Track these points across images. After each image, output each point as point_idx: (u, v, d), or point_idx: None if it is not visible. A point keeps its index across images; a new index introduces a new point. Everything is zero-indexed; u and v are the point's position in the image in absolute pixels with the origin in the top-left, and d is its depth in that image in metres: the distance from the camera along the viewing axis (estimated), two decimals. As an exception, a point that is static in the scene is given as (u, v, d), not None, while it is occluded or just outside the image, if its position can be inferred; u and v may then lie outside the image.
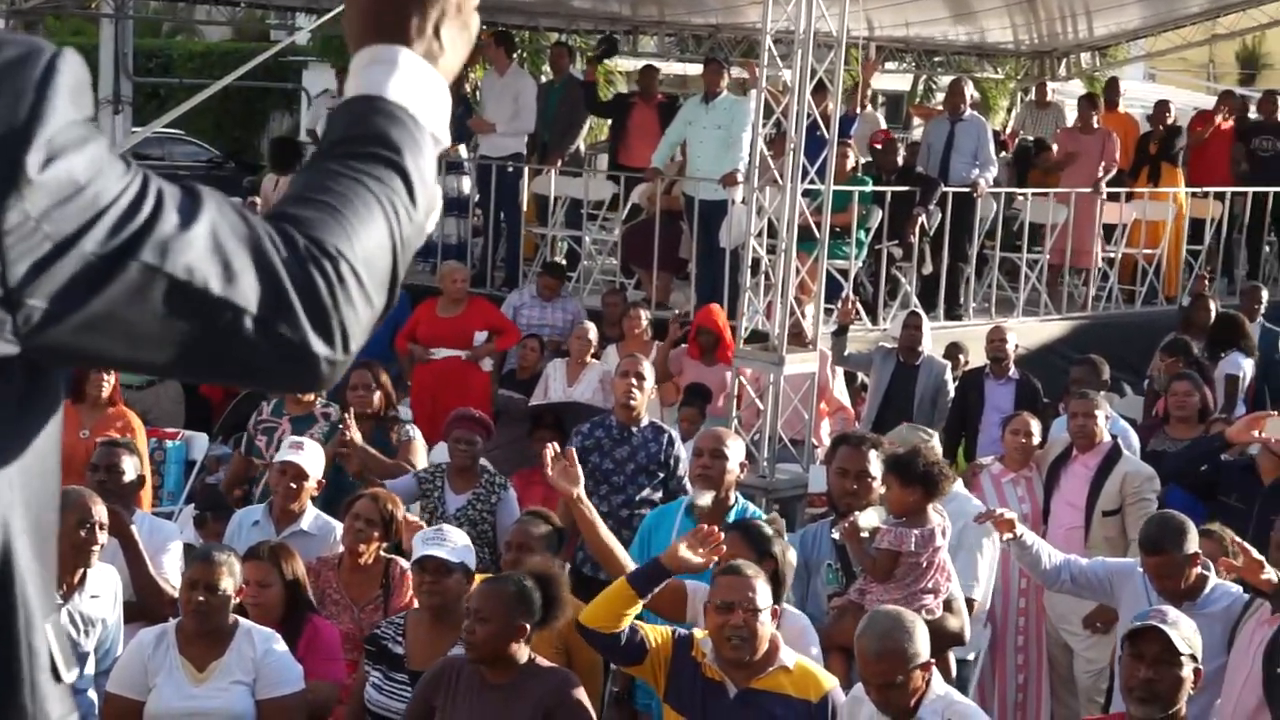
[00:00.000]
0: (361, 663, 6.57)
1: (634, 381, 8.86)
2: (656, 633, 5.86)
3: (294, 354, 1.71)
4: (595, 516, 6.66)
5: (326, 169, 1.82)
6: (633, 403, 8.83)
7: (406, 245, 1.82)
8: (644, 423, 8.91)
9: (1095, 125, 16.99)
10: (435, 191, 1.90)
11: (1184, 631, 5.37)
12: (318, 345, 1.71)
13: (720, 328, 12.09)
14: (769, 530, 6.45)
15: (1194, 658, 5.35)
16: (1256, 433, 8.24)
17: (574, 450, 6.75)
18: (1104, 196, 16.44)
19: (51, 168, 1.59)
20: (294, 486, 7.94)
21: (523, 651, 5.92)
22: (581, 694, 5.95)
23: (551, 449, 6.76)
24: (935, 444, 8.07)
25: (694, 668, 5.77)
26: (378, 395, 9.38)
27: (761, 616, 5.62)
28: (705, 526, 6.04)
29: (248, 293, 1.67)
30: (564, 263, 15.51)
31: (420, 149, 1.88)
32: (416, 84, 1.91)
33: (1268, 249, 18.93)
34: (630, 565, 6.76)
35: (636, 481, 8.73)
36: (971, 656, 8.29)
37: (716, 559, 5.95)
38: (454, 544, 6.59)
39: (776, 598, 6.14)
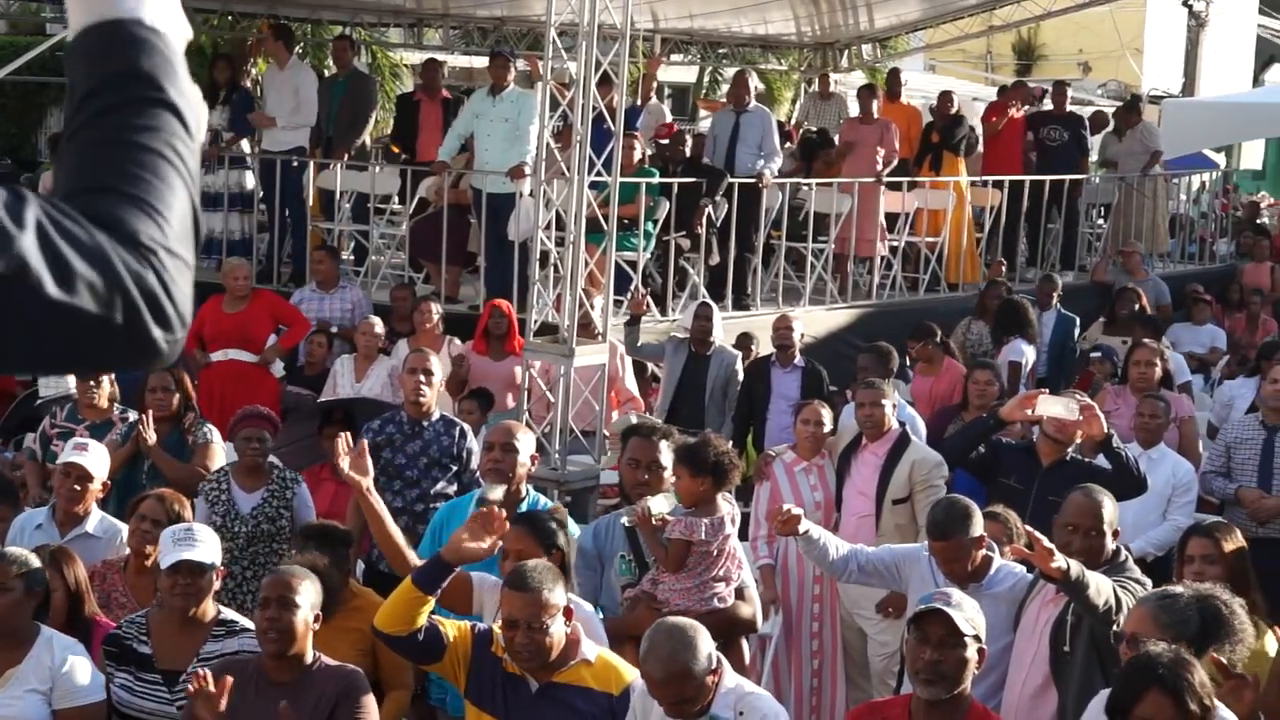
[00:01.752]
0: (101, 663, 6.39)
1: (422, 377, 8.83)
2: (455, 628, 5.82)
3: (136, 344, 1.68)
4: (383, 510, 6.61)
5: (100, 139, 1.74)
6: (422, 399, 8.80)
7: (196, 182, 1.77)
8: (435, 416, 8.88)
9: (875, 115, 17.24)
10: (200, 106, 1.79)
11: (967, 612, 5.46)
12: (157, 332, 1.68)
13: (511, 313, 12.07)
14: (553, 522, 6.44)
15: (978, 638, 5.44)
16: (1029, 411, 8.41)
17: (365, 443, 6.68)
18: (884, 186, 16.71)
19: None
20: (78, 488, 7.80)
21: (310, 651, 5.93)
22: (367, 690, 5.95)
23: (343, 441, 6.70)
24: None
25: (494, 663, 5.74)
26: (176, 397, 9.28)
27: (551, 628, 5.59)
28: (484, 509, 5.97)
29: (82, 292, 1.63)
30: (338, 247, 15.38)
31: (175, 69, 1.77)
32: None
33: (1048, 236, 19.39)
34: (415, 559, 6.77)
35: (430, 475, 8.70)
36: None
37: (501, 545, 5.91)
38: (205, 544, 6.48)
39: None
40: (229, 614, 6.52)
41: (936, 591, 5.75)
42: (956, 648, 5.38)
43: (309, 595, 5.93)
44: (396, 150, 16.76)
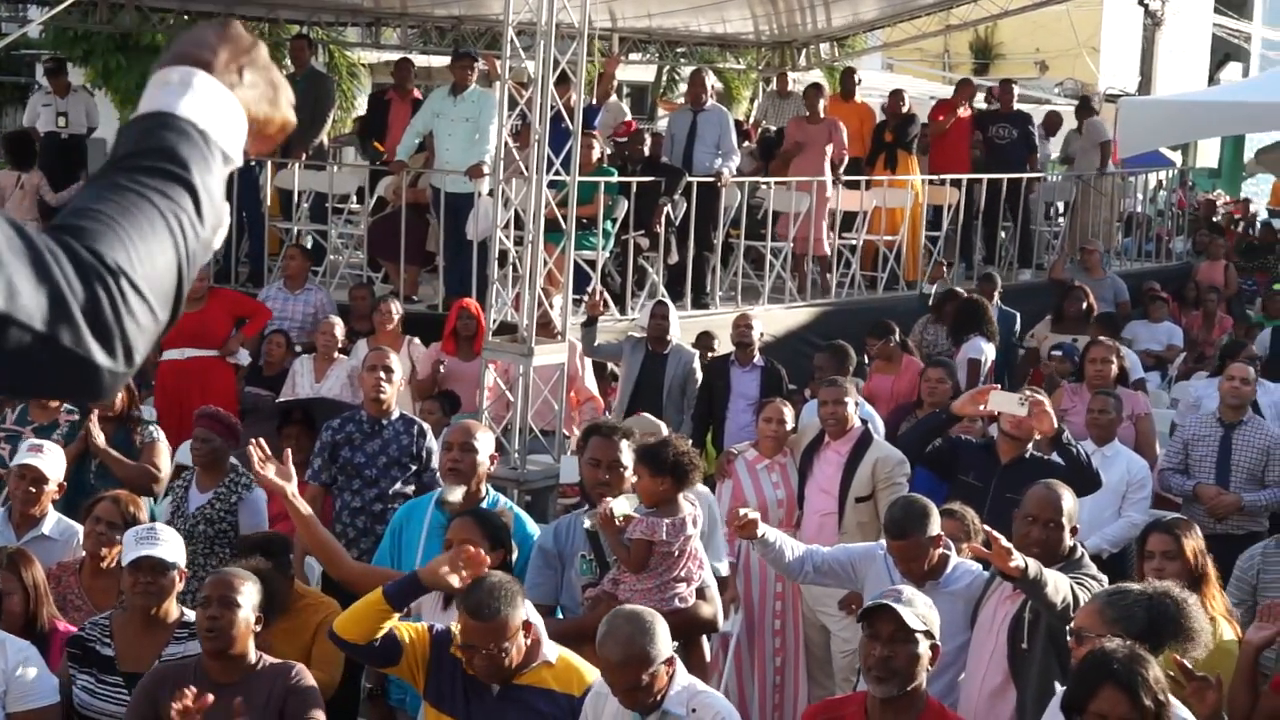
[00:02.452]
0: (64, 665, 6.39)
1: (382, 375, 8.80)
2: (411, 631, 5.81)
3: (78, 366, 1.68)
4: (310, 514, 6.65)
5: (113, 183, 1.78)
6: (382, 396, 8.78)
7: (192, 261, 1.80)
8: (394, 415, 8.86)
9: (821, 115, 17.21)
10: (223, 209, 1.86)
11: (918, 609, 5.45)
12: (100, 358, 1.69)
13: (480, 314, 12.06)
14: (499, 520, 6.51)
15: (929, 634, 5.43)
16: (981, 406, 8.44)
17: (289, 451, 6.69)
18: (838, 184, 16.73)
19: None
20: (33, 490, 7.76)
21: (252, 651, 5.94)
22: (313, 683, 5.95)
23: (256, 449, 6.68)
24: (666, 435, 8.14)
25: (454, 664, 5.72)
26: (120, 395, 9.21)
27: (512, 649, 5.60)
28: (470, 549, 5.95)
29: (30, 307, 1.64)
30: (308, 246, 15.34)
31: (209, 166, 1.84)
32: (210, 103, 1.87)
33: (1003, 234, 19.45)
34: (346, 559, 6.79)
35: (389, 475, 8.67)
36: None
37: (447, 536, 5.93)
38: (168, 542, 6.46)
39: None
40: (192, 616, 6.49)
41: (888, 588, 5.77)
42: (907, 643, 5.38)
43: (250, 596, 5.93)
44: (380, 147, 16.65)
